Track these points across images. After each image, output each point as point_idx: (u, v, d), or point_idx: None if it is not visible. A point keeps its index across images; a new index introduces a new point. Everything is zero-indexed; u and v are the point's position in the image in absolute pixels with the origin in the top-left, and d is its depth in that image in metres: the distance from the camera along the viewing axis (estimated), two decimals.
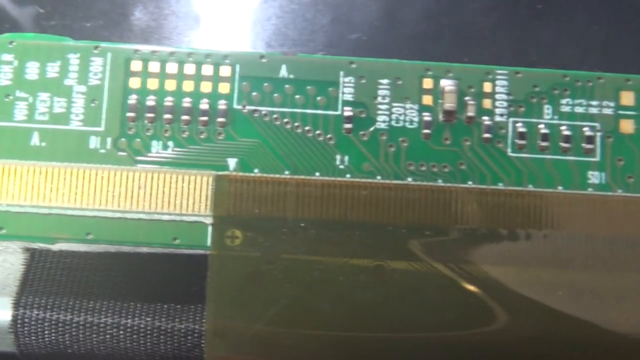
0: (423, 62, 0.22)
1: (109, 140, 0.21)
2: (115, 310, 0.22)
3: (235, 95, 0.21)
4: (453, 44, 0.26)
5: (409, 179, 0.21)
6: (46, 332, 0.22)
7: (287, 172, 0.21)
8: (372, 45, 0.26)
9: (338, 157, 0.21)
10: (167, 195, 0.21)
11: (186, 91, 0.21)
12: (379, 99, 0.21)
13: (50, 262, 0.23)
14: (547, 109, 0.21)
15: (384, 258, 0.21)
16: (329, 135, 0.21)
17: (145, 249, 0.22)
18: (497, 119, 0.21)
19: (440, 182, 0.21)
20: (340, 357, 0.21)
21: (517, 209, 0.21)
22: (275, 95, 0.21)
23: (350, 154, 0.21)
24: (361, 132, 0.21)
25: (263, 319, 0.20)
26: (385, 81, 0.21)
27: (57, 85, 0.21)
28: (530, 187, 0.21)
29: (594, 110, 0.21)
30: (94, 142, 0.21)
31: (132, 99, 0.21)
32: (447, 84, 0.21)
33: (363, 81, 0.21)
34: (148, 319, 0.22)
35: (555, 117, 0.21)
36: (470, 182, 0.21)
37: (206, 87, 0.21)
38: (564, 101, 0.22)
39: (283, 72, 0.22)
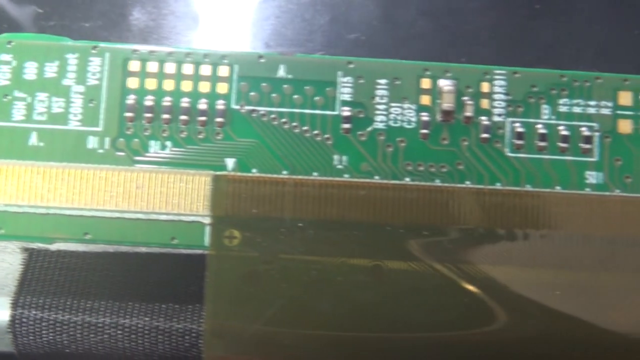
0: (421, 62, 0.22)
1: (107, 140, 0.21)
2: (113, 310, 0.22)
3: (234, 95, 0.21)
4: (451, 44, 0.26)
5: (407, 179, 0.21)
6: (44, 332, 0.22)
7: (285, 172, 0.21)
8: (370, 45, 0.26)
9: (336, 157, 0.21)
10: (165, 195, 0.21)
11: (184, 91, 0.21)
12: (377, 99, 0.21)
13: (49, 262, 0.23)
14: (545, 109, 0.21)
15: (381, 258, 0.21)
16: (327, 135, 0.21)
17: (143, 249, 0.22)
18: (495, 119, 0.21)
19: (438, 182, 0.21)
20: (338, 357, 0.21)
21: (515, 209, 0.21)
22: (274, 95, 0.21)
23: (348, 154, 0.21)
24: (359, 132, 0.21)
25: (261, 318, 0.20)
26: (383, 81, 0.22)
27: (56, 85, 0.21)
28: (528, 187, 0.21)
29: (591, 110, 0.22)
30: (92, 142, 0.21)
31: (130, 99, 0.21)
32: (445, 84, 0.21)
33: (361, 81, 0.22)
34: (146, 318, 0.22)
35: (553, 117, 0.21)
36: (468, 182, 0.21)
37: (204, 87, 0.21)
38: (561, 101, 0.22)
39: (281, 72, 0.22)
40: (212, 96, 0.21)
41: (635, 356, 0.21)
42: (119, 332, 0.22)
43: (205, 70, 0.21)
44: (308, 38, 0.26)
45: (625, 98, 0.22)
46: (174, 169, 0.21)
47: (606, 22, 0.26)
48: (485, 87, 0.22)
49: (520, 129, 0.21)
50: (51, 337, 0.22)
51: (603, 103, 0.22)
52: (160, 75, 0.21)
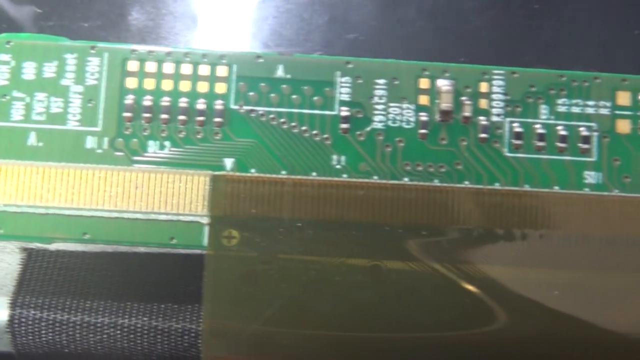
0: (420, 62, 0.22)
1: (105, 140, 0.21)
2: (112, 310, 0.22)
3: (232, 95, 0.21)
4: (449, 43, 0.26)
5: (406, 179, 0.21)
6: (43, 331, 0.22)
7: (283, 172, 0.21)
8: (368, 45, 0.26)
9: (335, 157, 0.21)
10: (164, 195, 0.21)
11: (183, 91, 0.21)
12: (376, 99, 0.21)
13: (47, 262, 0.23)
14: (544, 109, 0.21)
15: (380, 258, 0.21)
16: (325, 135, 0.21)
17: (142, 249, 0.22)
18: (494, 119, 0.21)
19: (436, 182, 0.21)
20: (337, 357, 0.21)
21: (514, 209, 0.21)
22: (272, 95, 0.21)
23: (346, 154, 0.21)
24: (358, 132, 0.21)
25: (260, 318, 0.20)
26: (381, 81, 0.22)
27: (54, 85, 0.21)
28: (527, 187, 0.21)
29: (590, 110, 0.22)
30: (90, 142, 0.21)
31: (129, 99, 0.21)
32: (443, 84, 0.21)
33: (360, 81, 0.22)
34: (145, 318, 0.22)
35: (552, 117, 0.21)
36: (466, 182, 0.21)
37: (203, 87, 0.21)
38: (560, 101, 0.22)
39: (280, 72, 0.22)
40: (211, 96, 0.21)
41: (635, 356, 0.21)
42: (118, 332, 0.22)
43: (204, 70, 0.21)
44: (306, 38, 0.26)
45: (624, 98, 0.22)
46: (172, 169, 0.21)
47: (605, 22, 0.26)
48: (483, 87, 0.22)
49: (518, 129, 0.21)
50: (50, 337, 0.22)
51: (602, 103, 0.22)
52: (159, 75, 0.21)
